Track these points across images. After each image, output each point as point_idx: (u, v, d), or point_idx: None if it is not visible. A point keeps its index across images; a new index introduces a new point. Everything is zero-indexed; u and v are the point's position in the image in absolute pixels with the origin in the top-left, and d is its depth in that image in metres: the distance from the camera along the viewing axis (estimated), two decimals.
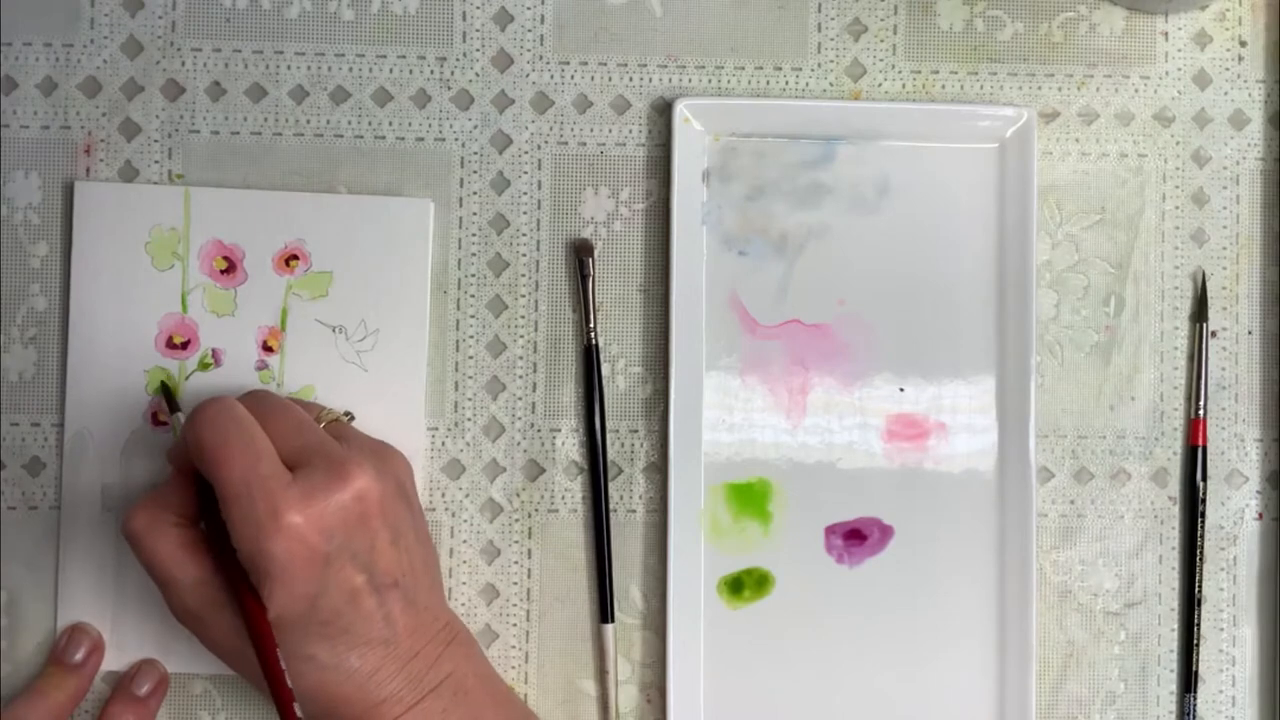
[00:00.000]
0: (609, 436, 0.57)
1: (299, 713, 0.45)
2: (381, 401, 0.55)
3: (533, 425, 0.57)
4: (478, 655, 0.52)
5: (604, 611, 0.56)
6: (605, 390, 0.57)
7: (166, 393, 0.54)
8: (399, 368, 0.56)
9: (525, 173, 0.57)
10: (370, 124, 0.57)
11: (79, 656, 0.54)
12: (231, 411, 0.47)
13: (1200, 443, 0.57)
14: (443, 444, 0.56)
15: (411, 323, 0.56)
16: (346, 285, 0.56)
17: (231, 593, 0.47)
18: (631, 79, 0.57)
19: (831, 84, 0.58)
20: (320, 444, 0.48)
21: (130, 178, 0.56)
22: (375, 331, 0.56)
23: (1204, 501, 0.57)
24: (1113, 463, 0.57)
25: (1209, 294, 0.57)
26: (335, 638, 0.47)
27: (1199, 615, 0.56)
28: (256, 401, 0.49)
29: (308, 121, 0.57)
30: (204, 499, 0.48)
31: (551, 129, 0.57)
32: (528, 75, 0.57)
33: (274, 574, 0.45)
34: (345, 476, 0.46)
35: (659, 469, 0.57)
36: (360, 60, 0.57)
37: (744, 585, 0.56)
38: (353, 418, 0.54)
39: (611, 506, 0.56)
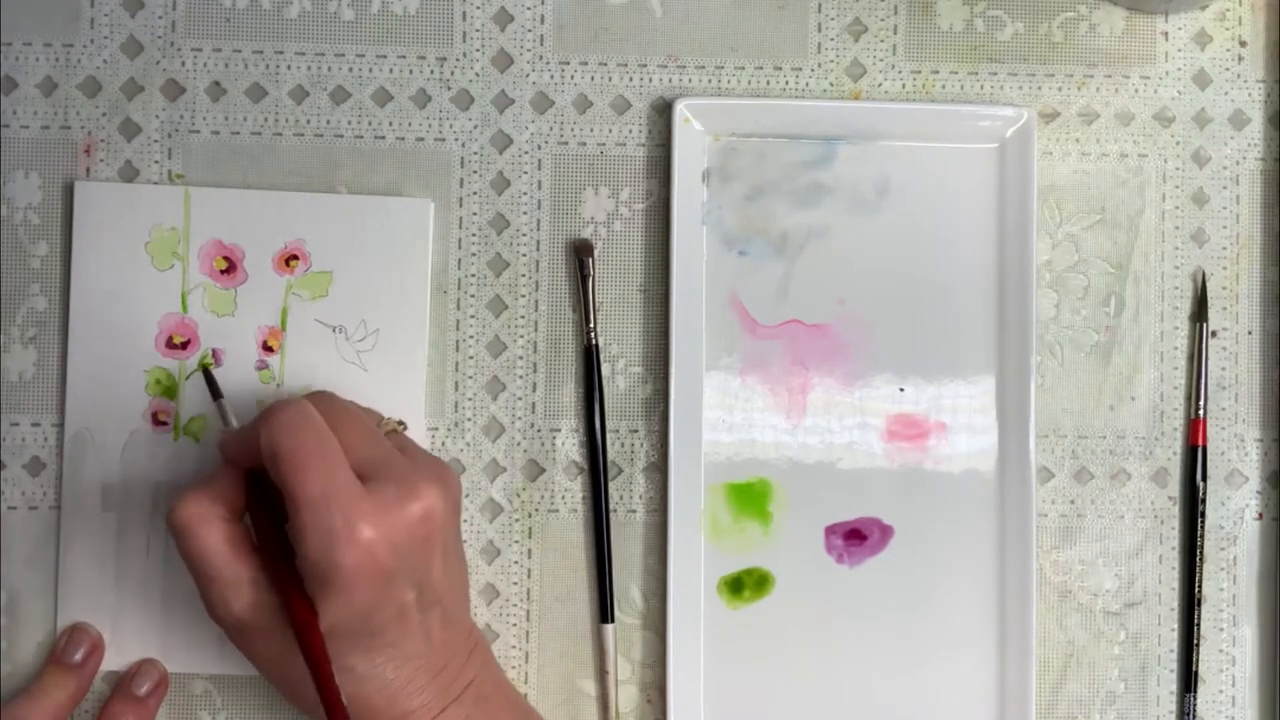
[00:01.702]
0: (609, 436, 0.57)
1: (351, 716, 0.45)
2: (381, 402, 0.55)
3: (533, 425, 0.57)
4: (493, 661, 0.52)
5: (604, 611, 0.56)
6: (605, 390, 0.57)
7: (209, 377, 0.52)
8: (399, 368, 0.56)
9: (525, 173, 0.57)
10: (370, 124, 0.57)
11: (79, 656, 0.54)
12: (309, 418, 0.46)
13: (1200, 443, 0.57)
14: (443, 444, 0.56)
15: (411, 323, 0.56)
16: (346, 285, 0.56)
17: (280, 595, 0.46)
18: (631, 79, 0.57)
19: (831, 84, 0.58)
20: (390, 458, 0.47)
21: (130, 178, 0.56)
22: (375, 331, 0.56)
23: (1204, 501, 0.57)
24: (1113, 463, 0.57)
25: (1209, 294, 0.57)
26: (376, 650, 0.47)
27: (1199, 615, 0.56)
28: (325, 404, 0.48)
29: (308, 121, 0.57)
30: (252, 494, 0.48)
31: (551, 129, 0.57)
32: (528, 75, 0.57)
33: (339, 586, 0.44)
34: (417, 495, 0.46)
35: (659, 469, 0.57)
36: (360, 60, 0.57)
37: (744, 585, 0.56)
38: (406, 427, 0.53)
39: (611, 506, 0.56)
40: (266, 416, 0.46)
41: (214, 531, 0.47)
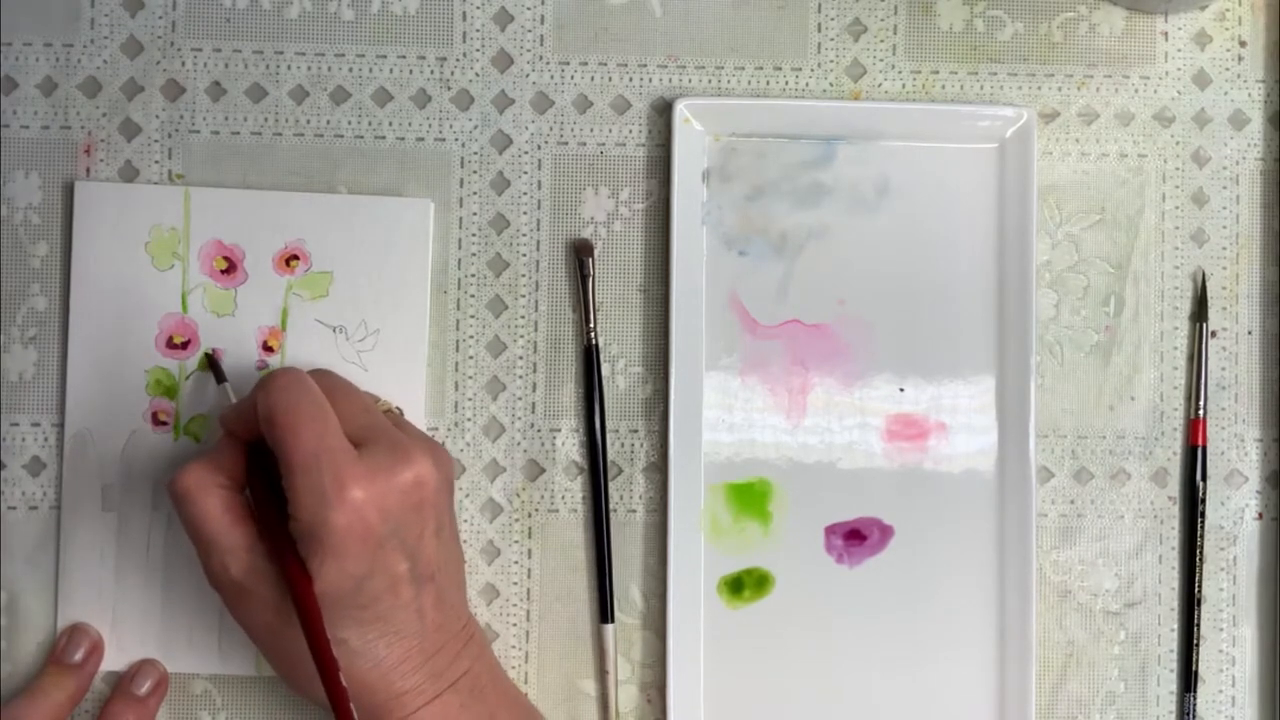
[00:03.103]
0: (609, 436, 0.57)
1: (344, 681, 0.45)
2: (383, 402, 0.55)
3: (533, 425, 0.57)
4: (490, 654, 0.52)
5: (604, 611, 0.56)
6: (605, 390, 0.57)
7: (213, 363, 0.54)
8: (399, 368, 0.56)
9: (525, 173, 0.57)
10: (370, 124, 0.57)
11: (79, 656, 0.54)
12: (303, 382, 0.47)
13: (1200, 443, 0.57)
14: (443, 444, 0.56)
15: (411, 323, 0.56)
16: (346, 285, 0.56)
17: (277, 562, 0.47)
18: (631, 79, 0.57)
19: (831, 84, 0.58)
20: (384, 426, 0.48)
21: (130, 178, 0.56)
22: (375, 331, 0.56)
23: (1204, 501, 0.57)
24: (1113, 463, 0.57)
25: (1209, 294, 0.57)
26: (369, 623, 0.47)
27: (1199, 615, 0.56)
28: (323, 377, 0.49)
29: (308, 121, 0.57)
30: (252, 466, 0.49)
31: (551, 129, 0.57)
32: (528, 75, 0.57)
33: (330, 546, 0.45)
34: (408, 460, 0.47)
35: (659, 469, 0.57)
36: (360, 60, 0.57)
37: (744, 585, 0.56)
38: (402, 413, 0.54)
39: (611, 506, 0.56)
40: (263, 382, 0.47)
41: (213, 498, 0.48)
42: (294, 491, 0.45)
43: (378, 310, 0.56)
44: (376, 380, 0.55)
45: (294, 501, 0.45)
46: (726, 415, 0.56)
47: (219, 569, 0.48)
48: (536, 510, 0.57)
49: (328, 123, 0.57)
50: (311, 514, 0.45)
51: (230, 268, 0.56)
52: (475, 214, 0.57)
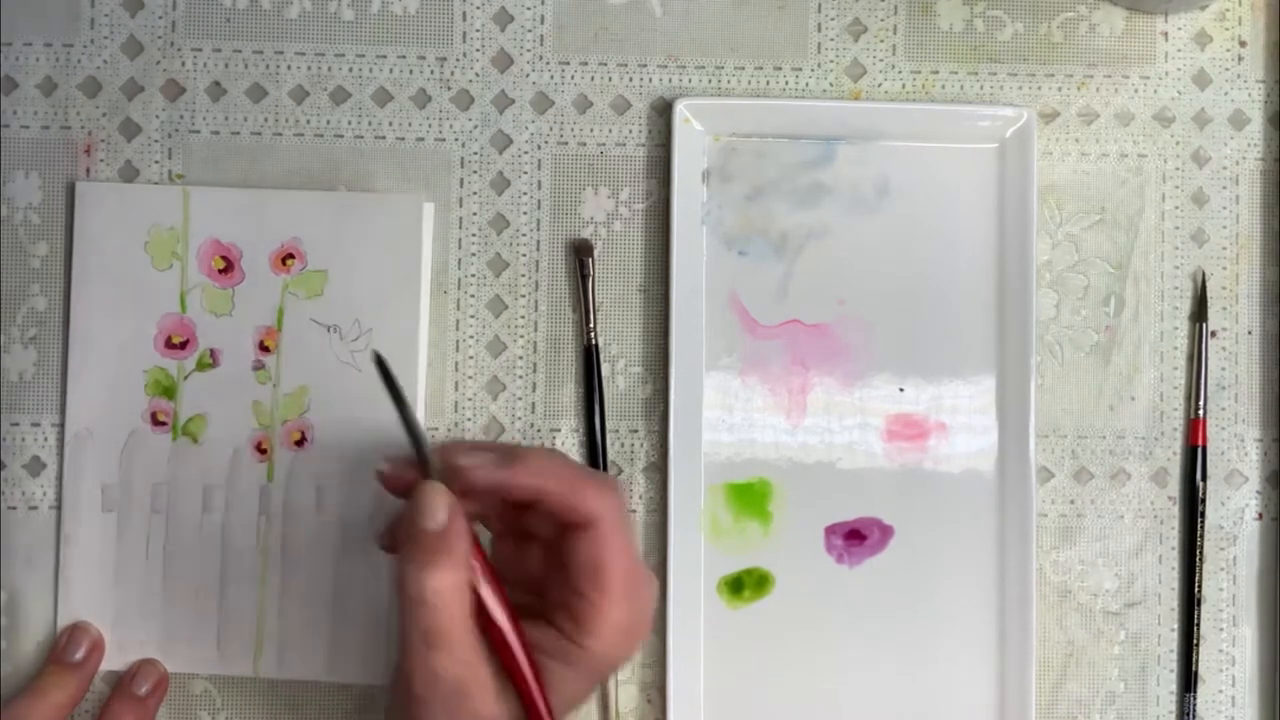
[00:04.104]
0: (609, 436, 0.57)
1: None
2: (378, 402, 0.55)
3: (533, 425, 0.57)
4: None
5: None
6: (605, 390, 0.57)
7: (382, 367, 0.45)
8: (393, 367, 0.55)
9: (525, 173, 0.57)
10: (370, 124, 0.57)
11: (79, 656, 0.54)
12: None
13: (1200, 443, 0.57)
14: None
15: (405, 323, 0.56)
16: (341, 284, 0.56)
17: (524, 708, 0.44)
18: (631, 79, 0.57)
19: (831, 84, 0.57)
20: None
21: (130, 178, 0.56)
22: (368, 331, 0.56)
23: (1204, 501, 0.57)
24: (1113, 463, 0.57)
25: (1209, 294, 0.57)
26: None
27: (1199, 615, 0.56)
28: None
29: (308, 121, 0.57)
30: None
31: (551, 129, 0.57)
32: (528, 75, 0.57)
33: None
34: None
35: (659, 469, 0.57)
36: (360, 60, 0.57)
37: (744, 585, 0.56)
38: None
39: None
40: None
41: (464, 602, 0.43)
42: (607, 618, 0.44)
43: (371, 310, 0.56)
44: (372, 380, 0.55)
45: (603, 621, 0.44)
46: (726, 415, 0.56)
47: (440, 668, 0.43)
48: None
49: (328, 123, 0.57)
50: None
51: (228, 267, 0.56)
52: (475, 214, 0.57)
